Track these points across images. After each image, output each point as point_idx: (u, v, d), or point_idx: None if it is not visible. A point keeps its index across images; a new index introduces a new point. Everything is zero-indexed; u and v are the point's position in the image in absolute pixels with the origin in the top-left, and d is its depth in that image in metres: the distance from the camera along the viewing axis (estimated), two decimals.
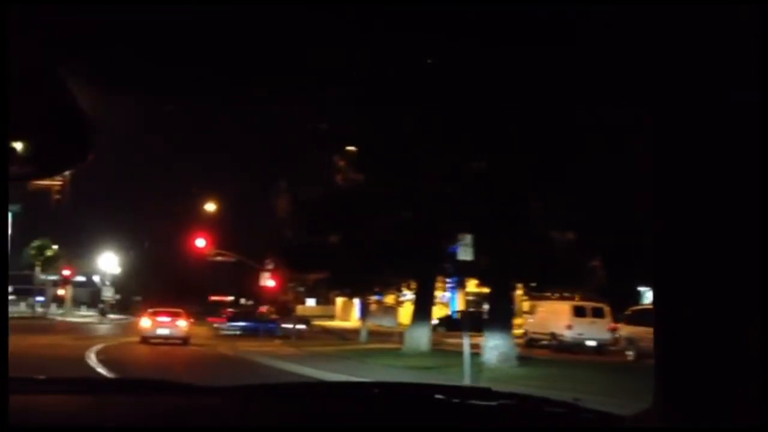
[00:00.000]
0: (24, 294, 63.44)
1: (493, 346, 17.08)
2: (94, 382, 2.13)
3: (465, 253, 14.18)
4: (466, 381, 13.46)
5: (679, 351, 1.15)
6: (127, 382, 2.40)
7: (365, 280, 24.81)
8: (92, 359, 17.67)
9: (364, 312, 32.94)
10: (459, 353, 22.98)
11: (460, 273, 16.24)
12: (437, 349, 23.14)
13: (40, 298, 60.61)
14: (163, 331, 26.77)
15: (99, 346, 23.15)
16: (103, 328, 41.44)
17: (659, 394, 1.19)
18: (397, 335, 31.68)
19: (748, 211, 1.06)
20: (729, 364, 1.08)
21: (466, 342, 14.04)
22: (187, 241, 45.22)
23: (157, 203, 73.99)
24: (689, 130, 1.13)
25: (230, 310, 48.08)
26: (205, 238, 44.26)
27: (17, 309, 58.48)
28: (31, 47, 1.31)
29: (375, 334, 31.61)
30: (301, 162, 24.59)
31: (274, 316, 38.10)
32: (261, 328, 32.60)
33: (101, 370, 14.72)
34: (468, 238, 14.14)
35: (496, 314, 17.86)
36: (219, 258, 47.93)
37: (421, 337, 22.51)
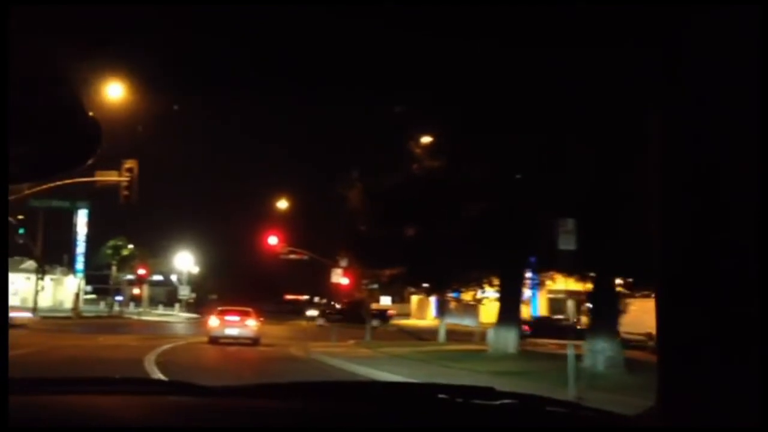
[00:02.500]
0: (103, 293, 64.47)
1: (599, 350, 14.82)
2: (105, 381, 1.95)
3: (566, 241, 12.09)
4: (571, 390, 11.40)
5: (681, 352, 1.17)
6: (135, 381, 2.04)
7: (445, 275, 22.85)
8: (151, 361, 16.41)
9: (443, 310, 30.87)
10: (549, 356, 21.20)
11: (560, 265, 14.11)
12: (525, 351, 21.18)
13: (119, 298, 61.31)
14: (231, 331, 25.55)
15: (165, 347, 22.14)
16: (176, 327, 40.97)
17: (661, 393, 1.22)
18: (477, 335, 30.28)
19: (750, 212, 1.07)
20: (730, 365, 1.09)
21: (570, 349, 11.93)
22: (261, 239, 45.10)
23: (231, 202, 74.41)
24: (696, 130, 1.14)
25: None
26: (278, 236, 44.13)
27: (96, 308, 59.36)
28: (36, 48, 1.27)
29: (454, 334, 29.91)
30: (374, 151, 22.83)
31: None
32: None
33: (155, 374, 13.34)
34: (570, 224, 12.06)
35: (601, 314, 15.55)
36: (292, 256, 47.98)
37: (507, 338, 20.48)
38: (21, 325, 31.14)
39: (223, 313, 26.88)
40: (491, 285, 25.28)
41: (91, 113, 1.35)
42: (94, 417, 1.53)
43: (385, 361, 18.70)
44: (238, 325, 25.88)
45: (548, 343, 28.46)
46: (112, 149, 28.43)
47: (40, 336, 26.15)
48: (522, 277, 22.27)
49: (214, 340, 25.27)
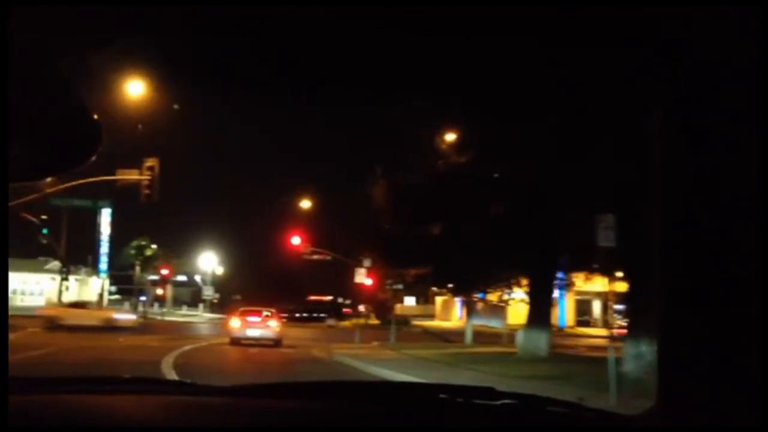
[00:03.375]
0: (127, 294, 64.47)
1: (638, 355, 13.95)
2: (105, 381, 1.94)
3: (606, 238, 11.30)
4: (612, 397, 10.65)
5: (681, 352, 1.17)
6: (135, 381, 2.00)
7: (472, 275, 22.08)
8: (169, 363, 15.89)
9: (469, 311, 30.04)
10: (582, 359, 20.42)
11: (599, 263, 13.31)
12: (556, 353, 20.35)
13: (143, 298, 61.28)
14: (253, 332, 25.02)
15: (185, 348, 21.69)
16: (199, 328, 40.62)
17: (661, 393, 1.22)
18: (504, 337, 29.58)
19: (750, 212, 1.08)
20: (730, 365, 1.10)
21: (611, 353, 11.16)
22: (284, 239, 45.00)
23: (255, 201, 74.32)
24: (696, 129, 1.15)
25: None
26: (301, 236, 43.91)
27: (121, 308, 59.34)
28: (36, 48, 1.27)
29: (480, 336, 29.18)
30: (398, 147, 22.11)
31: None
32: None
33: (171, 376, 12.79)
34: (609, 219, 11.28)
35: (641, 315, 14.65)
36: (315, 256, 47.89)
37: (538, 341, 19.68)
38: (45, 325, 31.04)
39: (244, 313, 26.38)
40: (519, 285, 24.47)
41: (91, 111, 1.32)
42: (94, 417, 1.54)
43: (409, 364, 18.03)
44: (259, 326, 25.35)
45: (579, 346, 27.60)
46: (134, 149, 28.16)
47: (61, 336, 25.91)
48: (553, 277, 21.45)
49: (236, 342, 24.77)
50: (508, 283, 25.57)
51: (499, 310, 37.36)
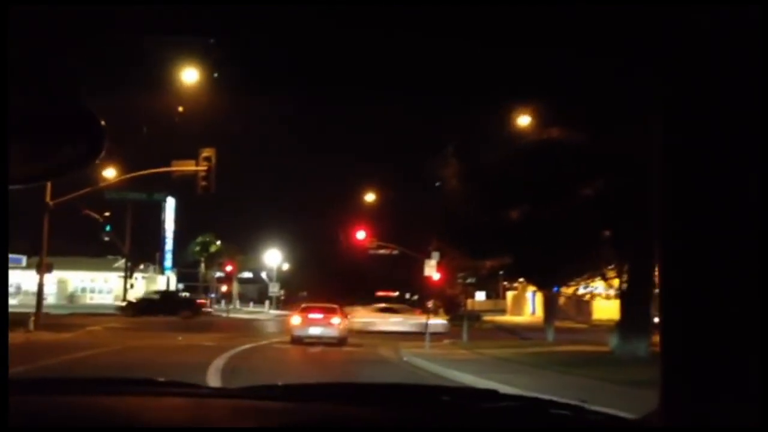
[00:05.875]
0: (195, 291, 64.17)
1: None
2: (105, 381, 1.95)
3: None
4: None
5: (683, 352, 1.18)
6: (136, 381, 1.97)
7: (558, 265, 19.60)
8: (218, 366, 14.19)
9: (550, 306, 27.42)
10: None
11: None
12: (656, 353, 17.73)
13: (212, 295, 60.88)
14: (315, 331, 23.22)
15: (242, 348, 20.12)
16: (262, 326, 39.34)
17: (664, 395, 1.22)
18: (588, 333, 27.04)
19: (751, 212, 1.09)
20: (730, 365, 1.11)
21: None
22: (349, 233, 44.07)
23: (320, 196, 73.35)
24: (696, 129, 1.16)
25: None
26: (366, 230, 42.79)
27: None
28: (37, 47, 1.59)
29: (560, 332, 26.73)
30: (471, 124, 19.80)
31: None
32: None
33: (215, 383, 10.99)
34: None
35: None
36: (381, 251, 46.65)
37: (637, 339, 17.18)
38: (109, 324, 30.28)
39: (305, 310, 24.60)
40: (607, 277, 21.85)
41: (94, 114, 1.31)
42: (94, 417, 1.56)
43: (490, 366, 15.89)
44: (321, 323, 23.49)
45: None
46: (194, 141, 26.89)
47: (119, 335, 24.90)
48: (653, 267, 18.82)
49: (297, 340, 23.04)
50: (599, 274, 22.85)
51: (582, 304, 34.44)
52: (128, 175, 28.56)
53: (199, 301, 46.36)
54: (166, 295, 45.74)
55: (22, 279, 46.56)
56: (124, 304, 41.48)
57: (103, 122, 1.31)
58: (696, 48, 1.15)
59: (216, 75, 23.26)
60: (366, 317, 32.79)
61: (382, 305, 36.94)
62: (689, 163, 1.16)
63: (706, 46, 1.14)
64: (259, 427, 1.53)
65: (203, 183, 26.91)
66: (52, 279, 51.54)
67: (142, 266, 57.19)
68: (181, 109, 27.76)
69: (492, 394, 1.85)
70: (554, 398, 1.81)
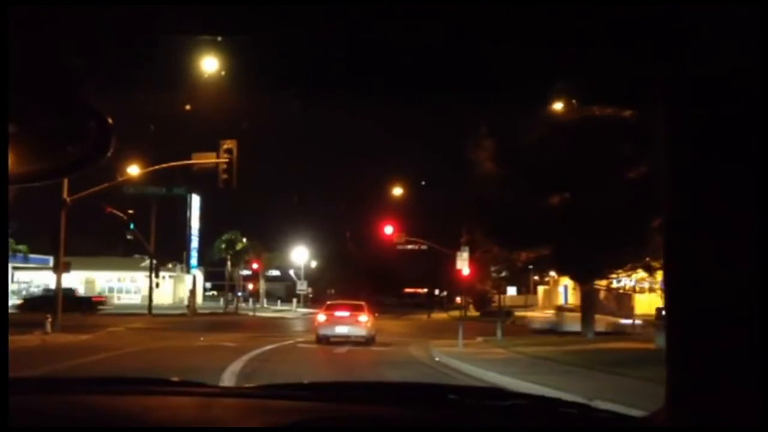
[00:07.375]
0: (222, 289, 63.55)
1: None
2: (106, 381, 1.96)
3: None
4: None
5: (688, 352, 1.18)
6: (136, 381, 2.00)
7: (602, 256, 18.17)
8: (235, 371, 13.13)
9: (591, 301, 25.88)
10: None
11: None
12: None
13: (240, 293, 60.25)
14: (341, 329, 22.05)
15: (264, 348, 19.11)
16: (289, 324, 38.42)
17: (670, 395, 1.22)
18: (629, 329, 25.80)
19: (753, 212, 1.09)
20: (731, 365, 1.11)
21: None
22: (377, 229, 43.20)
23: (347, 193, 72.55)
24: (697, 129, 1.16)
25: None
26: (394, 225, 41.84)
27: (215, 305, 58.41)
28: (38, 47, 1.28)
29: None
30: (509, 101, 18.39)
31: None
32: None
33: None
34: None
35: None
36: (409, 246, 45.72)
37: None
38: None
39: (331, 308, 23.45)
40: (654, 269, 20.39)
41: (99, 110, 1.31)
42: (94, 417, 1.56)
43: (529, 367, 14.63)
44: (348, 321, 22.30)
45: None
46: (217, 138, 25.95)
47: (141, 335, 24.09)
48: None
49: (323, 339, 21.92)
50: (642, 265, 21.36)
51: (623, 298, 32.82)
52: (148, 169, 27.76)
53: (95, 297, 47.15)
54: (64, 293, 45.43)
55: (51, 280, 46.27)
56: (20, 302, 42.14)
57: (110, 120, 1.29)
58: (696, 48, 1.16)
59: (222, 73, 22.47)
60: None
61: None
62: (689, 163, 1.16)
63: (706, 45, 1.15)
64: (265, 427, 1.54)
65: (224, 176, 25.91)
66: (79, 279, 51.34)
67: (170, 265, 56.63)
68: (188, 107, 26.86)
69: (499, 392, 1.96)
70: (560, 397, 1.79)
